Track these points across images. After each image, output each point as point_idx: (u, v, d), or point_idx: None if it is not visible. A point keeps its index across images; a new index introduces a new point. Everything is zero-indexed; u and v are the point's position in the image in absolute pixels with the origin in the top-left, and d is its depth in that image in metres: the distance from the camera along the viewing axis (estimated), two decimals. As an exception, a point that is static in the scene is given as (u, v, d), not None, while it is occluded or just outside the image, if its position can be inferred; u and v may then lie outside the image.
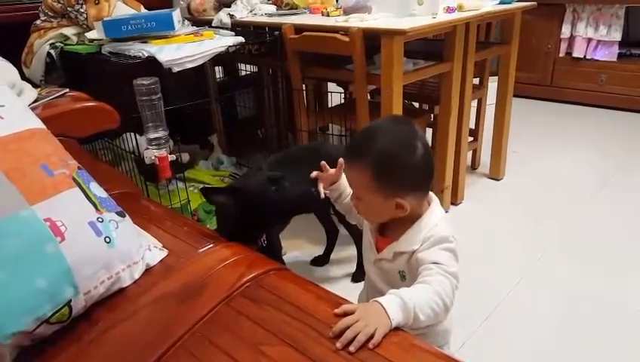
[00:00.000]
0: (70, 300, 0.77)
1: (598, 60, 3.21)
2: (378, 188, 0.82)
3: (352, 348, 0.67)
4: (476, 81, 2.15)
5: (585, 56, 3.25)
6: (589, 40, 3.21)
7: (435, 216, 0.86)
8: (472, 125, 2.25)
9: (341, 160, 0.93)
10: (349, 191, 0.97)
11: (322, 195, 0.96)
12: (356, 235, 1.65)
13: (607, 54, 3.18)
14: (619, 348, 1.36)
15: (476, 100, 2.31)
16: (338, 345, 0.68)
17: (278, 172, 1.16)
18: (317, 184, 0.98)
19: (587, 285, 1.61)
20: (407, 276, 0.87)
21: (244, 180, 1.09)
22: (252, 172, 1.30)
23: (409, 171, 0.83)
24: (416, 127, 0.86)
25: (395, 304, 0.72)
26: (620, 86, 3.17)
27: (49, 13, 1.77)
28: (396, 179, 0.82)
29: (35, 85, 1.46)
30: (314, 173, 0.98)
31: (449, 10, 1.76)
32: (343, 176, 0.97)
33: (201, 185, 2.00)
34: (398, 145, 0.82)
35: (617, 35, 3.10)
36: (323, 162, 0.97)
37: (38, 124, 0.93)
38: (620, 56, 3.15)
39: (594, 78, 3.24)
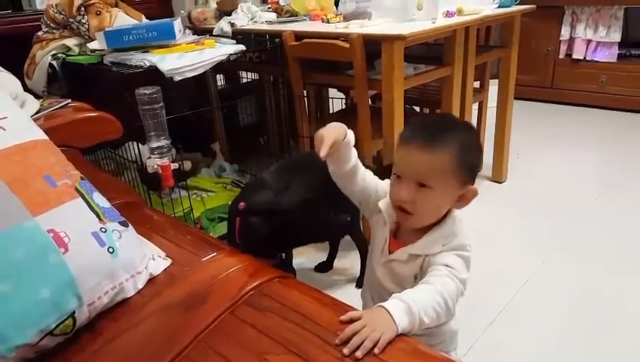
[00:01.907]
0: (74, 311, 0.76)
1: (597, 61, 3.21)
2: (459, 174, 0.82)
3: (358, 354, 0.67)
4: (477, 84, 2.15)
5: (585, 58, 3.26)
6: (589, 41, 3.21)
7: (456, 223, 0.87)
8: (474, 128, 2.25)
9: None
10: (348, 157, 0.93)
11: (323, 155, 0.86)
12: (359, 242, 1.65)
13: (607, 55, 3.18)
14: (621, 348, 1.35)
15: (477, 103, 2.31)
16: (346, 351, 0.68)
17: (284, 180, 1.15)
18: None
19: (590, 286, 1.60)
20: (419, 279, 0.86)
21: (282, 200, 1.06)
22: (263, 184, 1.27)
23: (480, 163, 0.88)
24: None
25: (400, 309, 0.72)
26: (620, 87, 3.17)
27: (51, 24, 1.78)
28: (474, 168, 0.86)
29: (37, 96, 1.46)
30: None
31: (448, 14, 1.76)
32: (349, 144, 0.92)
33: (206, 192, 2.02)
34: (474, 135, 0.90)
35: (617, 36, 3.10)
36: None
37: (40, 135, 0.93)
38: (619, 57, 3.16)
39: (594, 80, 3.24)
